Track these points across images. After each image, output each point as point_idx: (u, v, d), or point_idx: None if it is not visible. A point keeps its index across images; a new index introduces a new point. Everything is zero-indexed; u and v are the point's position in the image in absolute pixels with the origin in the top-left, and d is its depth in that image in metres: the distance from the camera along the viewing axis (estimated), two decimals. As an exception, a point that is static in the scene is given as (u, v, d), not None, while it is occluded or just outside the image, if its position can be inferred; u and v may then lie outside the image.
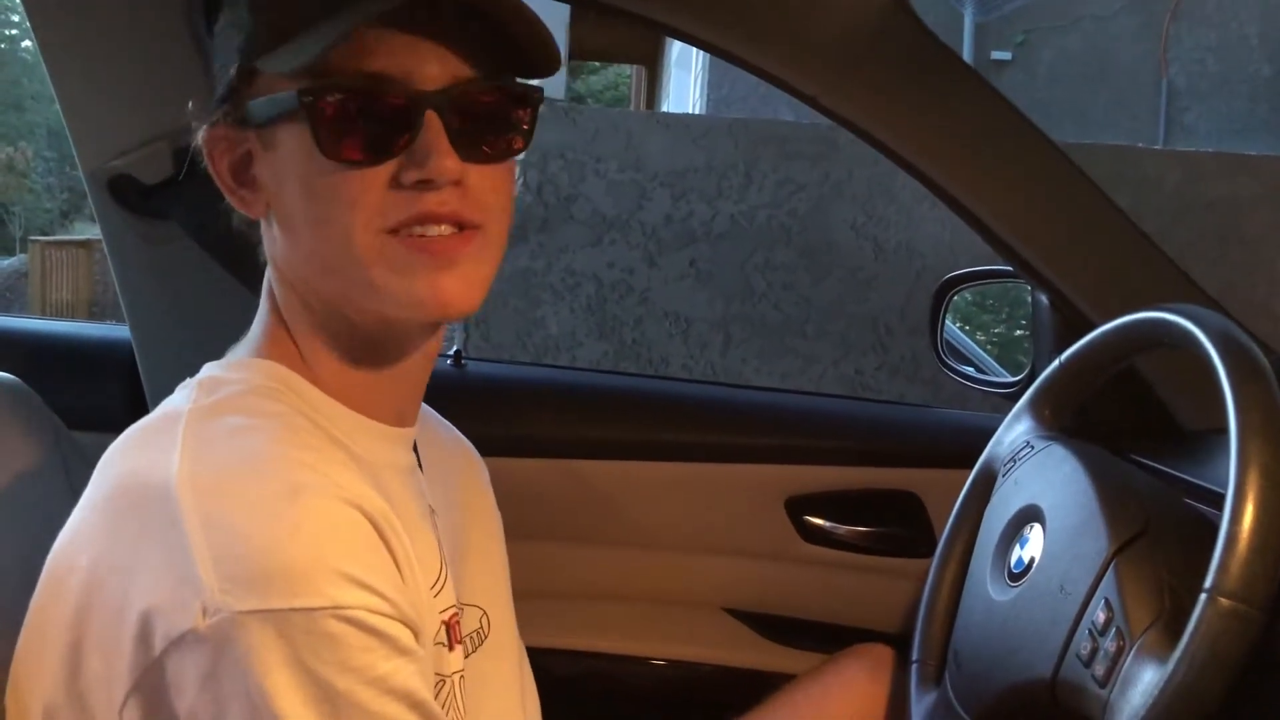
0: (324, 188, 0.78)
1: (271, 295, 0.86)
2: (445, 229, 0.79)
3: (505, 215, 0.83)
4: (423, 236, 0.78)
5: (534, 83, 0.85)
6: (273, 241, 0.84)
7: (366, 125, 0.77)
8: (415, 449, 0.94)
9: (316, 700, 0.70)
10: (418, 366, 0.89)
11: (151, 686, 0.72)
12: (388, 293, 0.79)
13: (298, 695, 0.69)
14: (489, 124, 0.81)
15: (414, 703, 0.74)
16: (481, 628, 1.02)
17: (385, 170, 0.77)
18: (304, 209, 0.79)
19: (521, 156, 0.85)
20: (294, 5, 0.78)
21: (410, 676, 0.74)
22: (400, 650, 0.73)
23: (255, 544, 0.70)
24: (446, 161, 0.77)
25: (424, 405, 1.04)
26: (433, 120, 0.77)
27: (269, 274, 0.87)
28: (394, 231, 0.78)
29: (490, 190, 0.81)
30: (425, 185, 0.77)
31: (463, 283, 0.79)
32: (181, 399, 0.81)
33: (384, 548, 0.76)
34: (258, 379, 0.82)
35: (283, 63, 0.77)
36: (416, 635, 0.76)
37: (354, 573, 0.71)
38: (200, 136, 0.84)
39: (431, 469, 0.97)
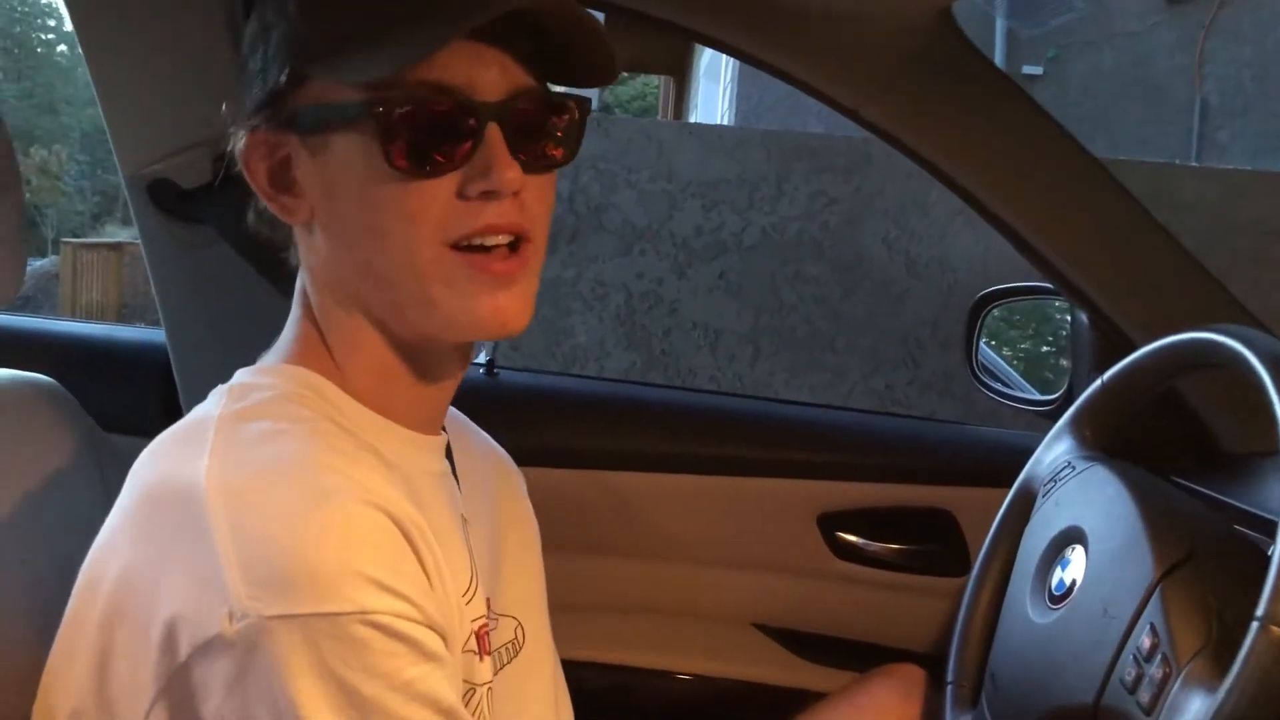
0: (384, 198, 0.77)
1: (306, 301, 0.86)
2: (503, 239, 0.79)
3: (548, 225, 0.84)
4: (483, 253, 0.78)
5: (581, 93, 0.84)
6: (313, 249, 0.84)
7: (431, 137, 0.76)
8: (450, 457, 0.94)
9: (343, 706, 0.69)
10: (453, 376, 0.88)
11: (177, 692, 0.72)
12: (445, 311, 0.79)
13: (324, 701, 0.69)
14: (543, 135, 0.81)
15: (441, 709, 0.73)
16: (516, 639, 1.01)
17: (448, 182, 0.77)
18: (360, 219, 0.79)
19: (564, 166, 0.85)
20: (354, 13, 0.78)
21: (438, 682, 0.73)
22: (427, 656, 0.73)
23: (282, 549, 0.70)
24: (509, 173, 0.77)
25: (461, 414, 1.05)
26: (494, 132, 0.77)
27: (303, 279, 0.86)
28: (455, 246, 0.78)
29: (540, 201, 0.81)
30: (489, 196, 0.77)
31: (520, 301, 0.80)
32: (212, 405, 0.81)
33: (411, 553, 0.76)
34: (288, 385, 0.82)
35: (348, 73, 0.77)
36: (445, 640, 0.76)
37: (381, 577, 0.71)
38: (239, 141, 0.83)
39: (467, 478, 0.97)
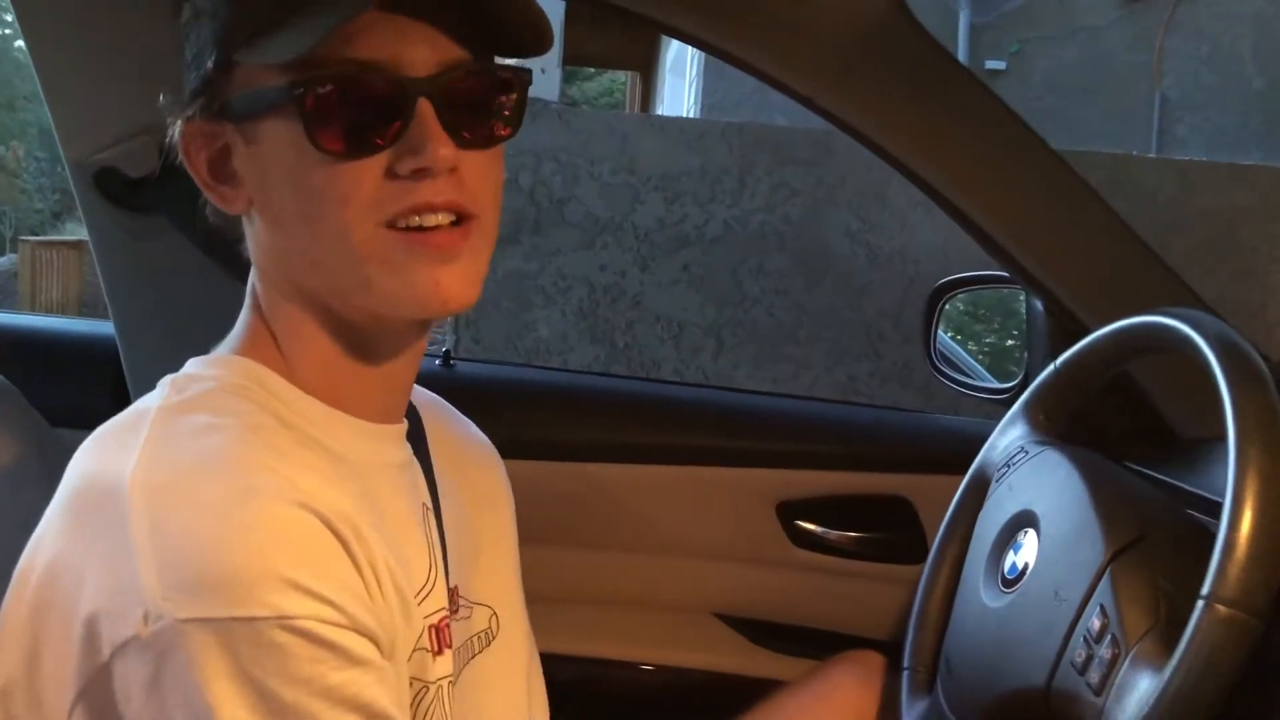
0: (315, 182, 0.75)
1: (254, 292, 0.84)
2: (442, 218, 0.77)
3: (497, 204, 0.82)
4: (420, 230, 0.76)
5: (519, 63, 0.83)
6: (255, 238, 0.82)
7: (358, 116, 0.74)
8: (426, 445, 0.92)
9: (263, 712, 0.68)
10: (406, 363, 0.86)
11: (99, 692, 0.70)
12: (385, 290, 0.77)
13: (242, 707, 0.67)
14: (481, 110, 0.79)
15: (372, 713, 0.72)
16: (490, 627, 1.00)
17: (378, 161, 0.75)
18: (293, 204, 0.77)
19: (507, 141, 0.83)
20: None
21: (367, 687, 0.72)
22: (354, 661, 0.71)
23: (200, 548, 0.68)
24: (442, 149, 0.75)
25: (441, 400, 1.04)
26: (425, 108, 0.75)
27: (252, 273, 0.85)
28: (391, 225, 0.76)
29: (482, 178, 0.79)
30: (421, 174, 0.75)
31: (462, 277, 0.78)
32: (155, 396, 0.80)
33: (344, 554, 0.73)
34: (231, 376, 0.80)
35: (267, 54, 0.75)
36: (379, 644, 0.74)
37: (303, 581, 0.69)
38: (175, 131, 0.82)
39: (442, 465, 0.95)
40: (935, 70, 1.27)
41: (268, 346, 0.83)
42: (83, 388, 1.47)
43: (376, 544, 0.77)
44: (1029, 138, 1.30)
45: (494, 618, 1.00)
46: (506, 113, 0.81)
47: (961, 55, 6.30)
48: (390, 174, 0.75)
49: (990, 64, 6.66)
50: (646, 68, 11.88)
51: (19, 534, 0.82)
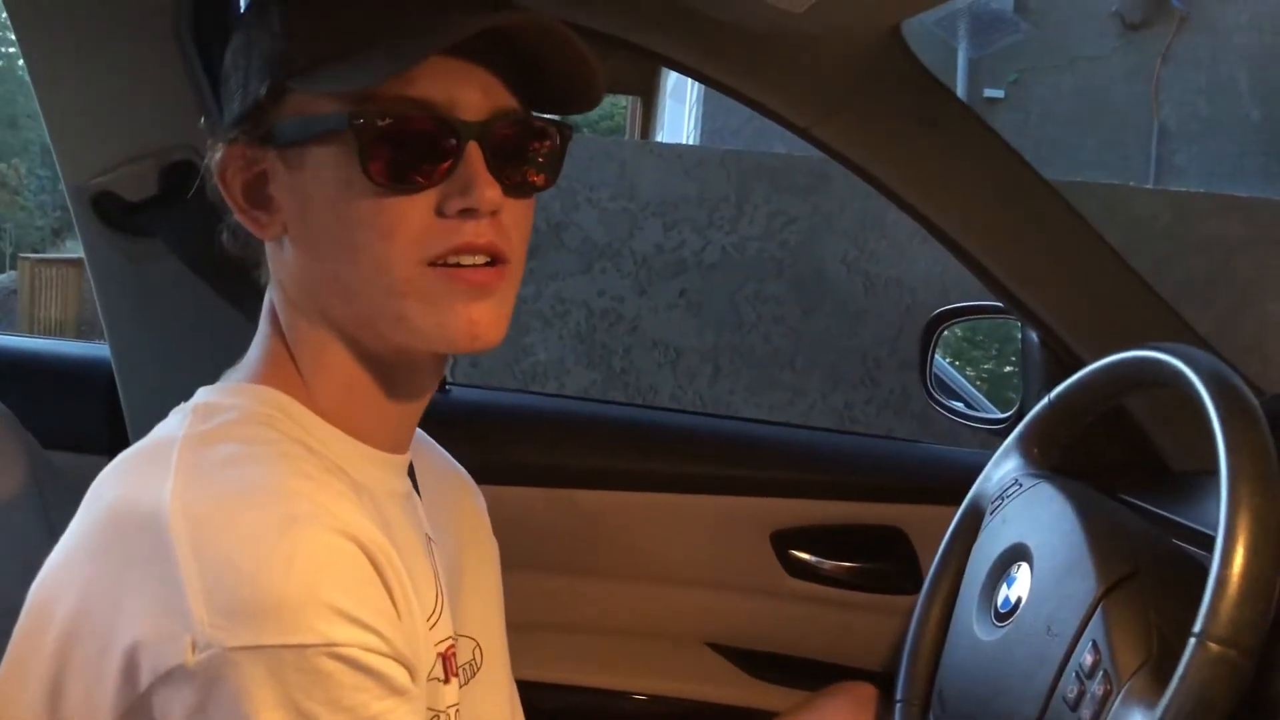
0: (360, 213, 0.77)
1: (274, 318, 0.85)
2: (480, 260, 0.78)
3: (524, 251, 0.83)
4: (458, 267, 0.77)
5: (563, 118, 0.85)
6: (283, 264, 0.83)
7: (411, 152, 0.76)
8: (413, 475, 0.92)
9: None
10: (421, 396, 0.87)
11: None
12: (418, 324, 0.78)
13: None
14: (523, 158, 0.81)
15: None
16: (474, 659, 1.00)
17: (424, 200, 0.77)
18: (335, 233, 0.78)
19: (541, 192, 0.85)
20: (336, 29, 0.77)
21: (402, 718, 0.72)
22: (394, 690, 0.71)
23: (247, 578, 0.69)
24: (489, 192, 0.77)
25: (421, 431, 1.03)
26: (474, 151, 0.77)
27: (271, 296, 0.85)
28: (432, 264, 0.77)
29: (517, 225, 0.81)
30: (467, 214, 0.77)
31: (493, 314, 0.79)
32: (175, 425, 0.79)
33: (379, 582, 0.74)
34: (254, 405, 0.80)
35: (329, 84, 0.76)
36: (412, 674, 0.74)
37: (348, 609, 0.70)
38: (215, 155, 0.82)
39: (429, 496, 0.95)
40: (931, 103, 1.28)
41: (288, 373, 0.83)
42: (77, 410, 1.47)
43: (400, 571, 0.77)
44: (1024, 171, 1.31)
45: (477, 649, 1.01)
46: (546, 164, 0.83)
47: (960, 84, 6.33)
48: (437, 212, 0.77)
49: (989, 93, 6.69)
50: (647, 92, 11.93)
51: (11, 555, 0.82)
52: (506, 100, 0.80)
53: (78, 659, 0.73)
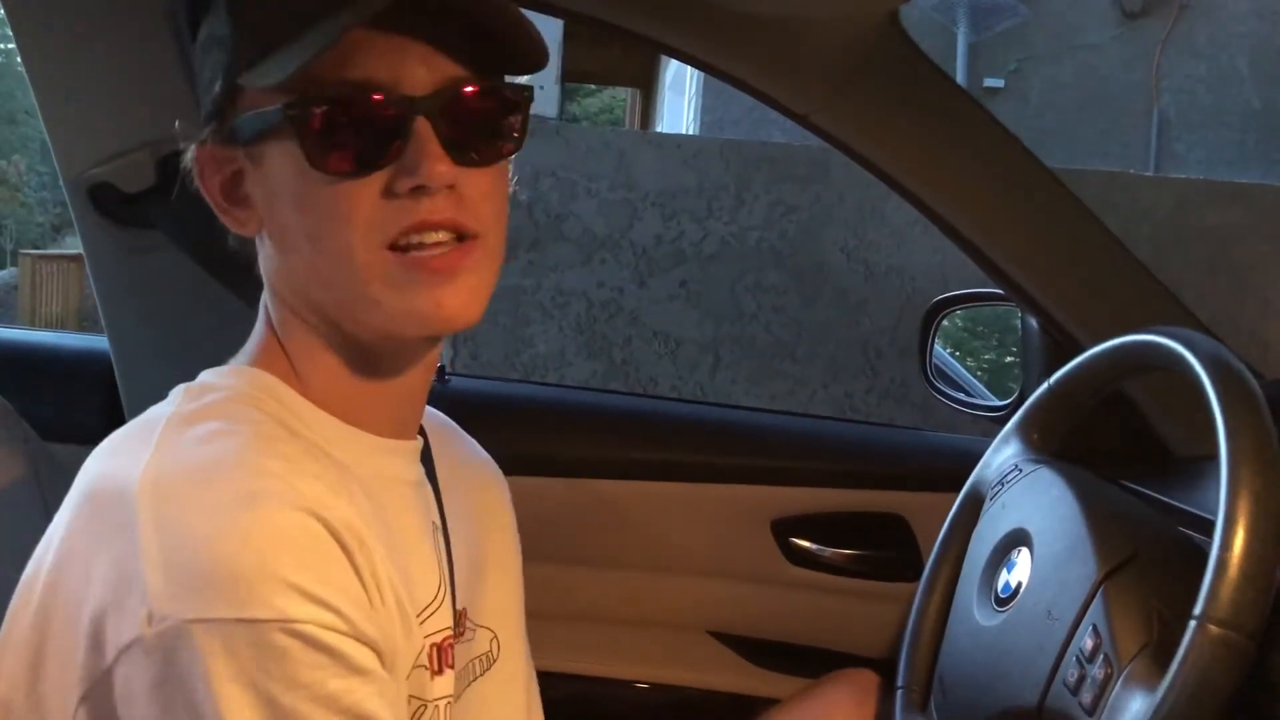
0: (316, 203, 0.76)
1: (266, 311, 0.85)
2: (443, 236, 0.77)
3: (501, 222, 0.82)
4: (421, 251, 0.77)
5: (524, 81, 0.83)
6: (267, 258, 0.84)
7: (356, 136, 0.75)
8: (432, 464, 0.92)
9: (263, 716, 0.68)
10: (417, 378, 0.87)
11: (102, 696, 0.70)
12: (387, 308, 0.78)
13: (247, 709, 0.68)
14: (480, 128, 0.79)
15: None
16: (491, 650, 1.00)
17: (377, 181, 0.76)
18: (298, 225, 0.78)
19: (513, 160, 0.84)
20: (275, 17, 0.76)
21: (366, 698, 0.71)
22: (354, 669, 0.71)
23: (204, 550, 0.69)
24: (439, 166, 0.76)
25: (450, 421, 1.04)
26: (423, 126, 0.76)
27: (265, 292, 0.86)
28: (393, 246, 0.76)
29: (484, 196, 0.79)
30: (419, 192, 0.76)
31: (463, 296, 0.78)
32: (168, 404, 0.80)
33: (346, 563, 0.74)
34: (243, 386, 0.81)
35: (266, 76, 0.75)
36: (379, 655, 0.74)
37: (305, 585, 0.70)
38: (189, 156, 0.82)
39: (448, 485, 0.95)
40: (931, 89, 1.27)
41: (280, 361, 0.83)
42: (76, 402, 1.47)
43: (380, 557, 0.77)
44: (1024, 156, 1.30)
45: (495, 641, 1.00)
46: (507, 130, 0.81)
47: (960, 73, 6.32)
48: (389, 193, 0.76)
49: (989, 82, 6.68)
50: (646, 84, 11.92)
51: (10, 547, 0.82)
52: (453, 71, 0.78)
53: (53, 629, 0.73)
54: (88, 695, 0.71)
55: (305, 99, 0.75)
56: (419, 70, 0.76)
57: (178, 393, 0.81)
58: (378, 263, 0.76)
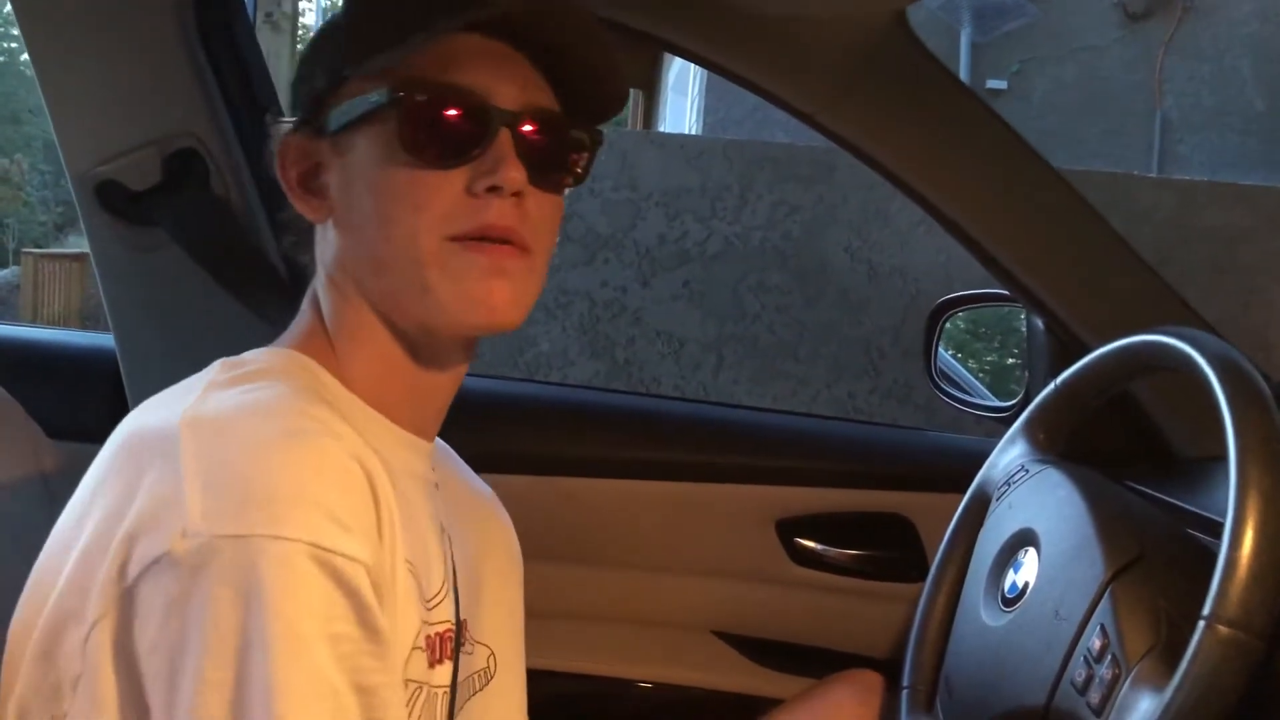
0: (395, 187, 0.82)
1: (314, 300, 0.89)
2: (501, 242, 0.82)
3: (549, 251, 0.87)
4: (481, 241, 0.81)
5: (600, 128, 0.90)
6: (327, 245, 0.88)
7: (447, 130, 0.82)
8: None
9: (279, 635, 0.68)
10: (446, 382, 0.91)
11: (120, 616, 0.71)
12: (439, 295, 0.82)
13: (258, 630, 0.68)
14: (551, 154, 0.86)
15: (363, 688, 0.72)
16: (488, 667, 1.02)
17: (455, 177, 0.81)
18: (372, 209, 0.83)
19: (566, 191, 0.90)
20: (387, 20, 0.82)
21: (365, 656, 0.72)
22: (361, 616, 0.72)
23: (244, 473, 0.71)
24: (514, 172, 0.81)
25: (448, 447, 1.07)
26: (505, 136, 0.82)
27: (316, 280, 0.90)
28: (455, 239, 0.81)
29: (543, 219, 0.85)
30: (493, 192, 0.81)
31: (512, 293, 0.83)
32: (204, 374, 0.82)
33: (372, 507, 0.76)
34: (283, 363, 0.84)
35: (374, 65, 0.81)
36: (379, 592, 0.74)
37: (340, 515, 0.72)
38: (276, 142, 0.88)
39: (450, 501, 0.97)
40: (936, 88, 1.27)
41: (322, 345, 0.87)
42: (82, 400, 1.47)
43: (399, 527, 0.79)
44: (1030, 156, 1.30)
45: (492, 658, 1.03)
46: (573, 164, 0.88)
47: (963, 74, 6.31)
48: (463, 191, 0.82)
49: (991, 83, 6.67)
50: (649, 85, 11.91)
51: (16, 544, 0.82)
52: (541, 99, 0.85)
53: (77, 561, 0.74)
54: (104, 615, 0.71)
55: (412, 83, 0.81)
56: (511, 88, 0.84)
57: (216, 364, 0.84)
58: (438, 250, 0.81)
